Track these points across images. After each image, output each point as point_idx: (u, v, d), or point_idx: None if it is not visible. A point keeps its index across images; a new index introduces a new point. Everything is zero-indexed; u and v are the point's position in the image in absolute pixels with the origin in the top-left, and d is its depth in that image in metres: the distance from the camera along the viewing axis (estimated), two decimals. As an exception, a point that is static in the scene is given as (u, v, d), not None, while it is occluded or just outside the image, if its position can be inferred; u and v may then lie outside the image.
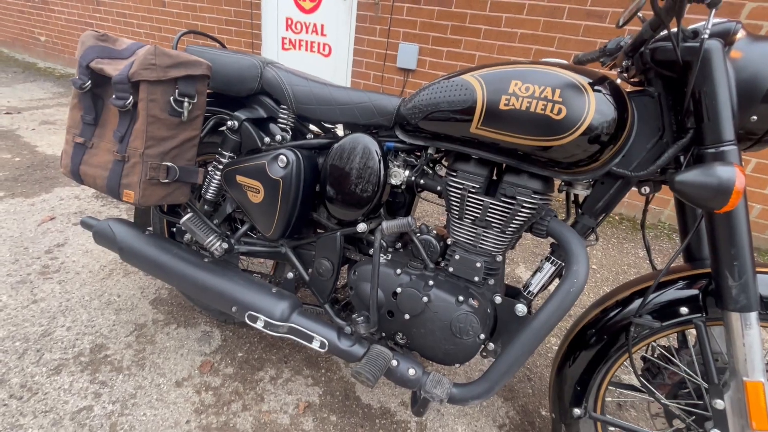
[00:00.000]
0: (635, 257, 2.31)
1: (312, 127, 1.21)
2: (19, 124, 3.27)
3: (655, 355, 0.97)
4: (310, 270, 1.21)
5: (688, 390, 0.88)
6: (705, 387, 0.83)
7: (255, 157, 1.09)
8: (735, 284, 0.73)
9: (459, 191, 0.95)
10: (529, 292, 1.01)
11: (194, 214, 1.20)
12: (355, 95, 1.05)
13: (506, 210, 0.91)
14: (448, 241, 1.03)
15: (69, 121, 1.09)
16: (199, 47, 1.17)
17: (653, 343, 0.94)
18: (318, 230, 1.26)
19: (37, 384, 1.21)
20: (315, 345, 1.05)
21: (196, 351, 1.40)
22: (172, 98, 0.98)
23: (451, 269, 1.02)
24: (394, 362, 0.99)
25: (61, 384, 1.22)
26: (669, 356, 0.92)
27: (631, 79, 0.91)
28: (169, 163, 1.02)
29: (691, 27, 0.75)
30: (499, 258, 0.99)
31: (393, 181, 1.03)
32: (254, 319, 1.09)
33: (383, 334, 1.11)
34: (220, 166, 1.19)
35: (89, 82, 1.02)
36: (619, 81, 0.87)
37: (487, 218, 0.93)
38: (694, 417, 0.86)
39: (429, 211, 2.65)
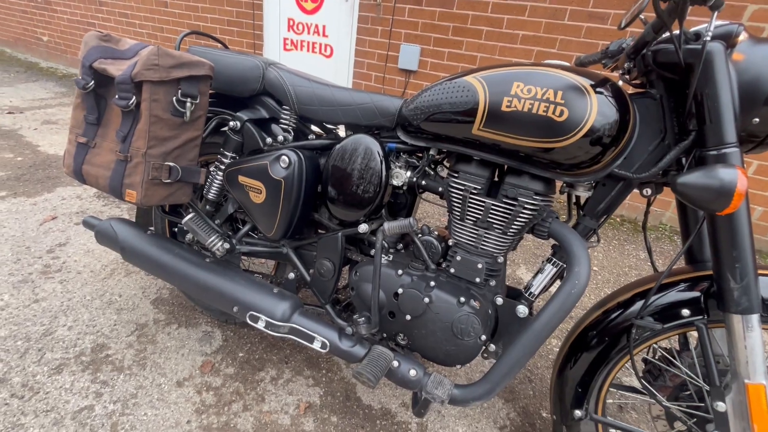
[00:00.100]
0: (636, 259, 2.31)
1: (314, 127, 1.21)
2: (21, 124, 3.28)
3: (657, 357, 0.97)
4: (311, 270, 1.21)
5: (689, 392, 0.88)
6: (706, 389, 0.83)
7: (257, 158, 1.09)
8: (737, 286, 0.73)
9: (461, 192, 0.95)
10: (531, 293, 1.01)
11: (196, 214, 1.20)
12: (357, 96, 1.05)
13: (508, 211, 0.91)
14: (450, 242, 1.03)
15: (72, 121, 1.09)
16: (201, 48, 1.18)
17: (654, 345, 0.94)
18: (319, 231, 1.26)
19: (39, 383, 1.21)
20: (316, 345, 1.05)
21: (197, 351, 1.40)
22: (174, 98, 0.98)
23: (452, 270, 1.02)
24: (395, 363, 0.99)
25: (62, 383, 1.22)
26: (670, 358, 0.92)
27: (633, 81, 0.91)
28: (171, 163, 1.02)
29: (693, 29, 0.75)
30: (501, 259, 0.99)
31: (394, 182, 1.03)
32: (256, 320, 1.09)
33: (384, 335, 1.11)
34: (222, 167, 1.19)
35: (92, 82, 1.02)
36: (620, 83, 0.87)
37: (489, 219, 0.93)
38: (695, 419, 0.86)
39: (430, 212, 2.65)
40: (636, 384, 1.09)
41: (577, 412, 0.97)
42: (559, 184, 0.97)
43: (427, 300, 0.98)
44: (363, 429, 1.20)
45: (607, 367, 0.93)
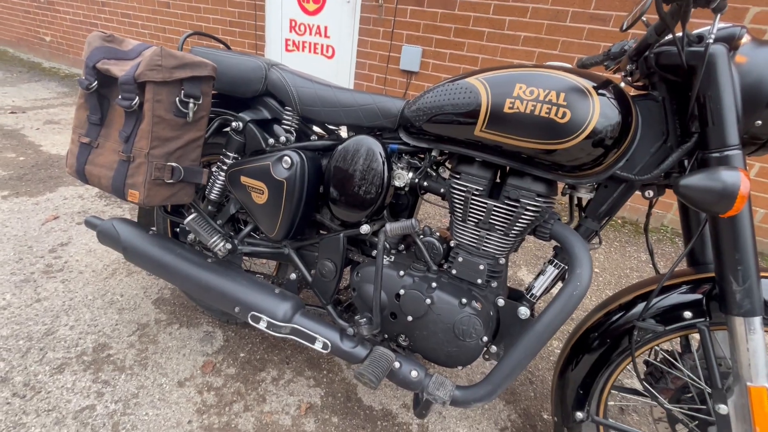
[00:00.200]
0: (638, 261, 2.31)
1: (316, 128, 1.21)
2: (23, 124, 3.29)
3: (658, 359, 0.97)
4: (313, 271, 1.21)
5: (691, 395, 0.88)
6: (708, 392, 0.82)
7: (259, 158, 1.09)
8: (739, 289, 0.73)
9: (462, 194, 0.95)
10: (532, 295, 1.01)
11: (198, 214, 1.20)
12: (360, 97, 1.06)
13: (510, 213, 0.91)
14: (451, 244, 1.03)
15: (75, 121, 1.10)
16: (204, 48, 1.18)
17: (656, 347, 0.93)
18: (321, 231, 1.26)
19: (40, 383, 1.21)
20: (318, 346, 1.05)
21: (198, 351, 1.40)
22: (177, 99, 0.98)
23: (454, 271, 1.02)
24: (397, 364, 0.99)
25: (64, 383, 1.22)
26: (672, 360, 0.92)
27: (635, 83, 0.91)
28: (173, 164, 1.02)
29: (696, 31, 0.75)
30: (503, 260, 0.99)
31: (396, 183, 1.03)
32: (257, 320, 1.09)
33: (386, 336, 1.11)
34: (225, 167, 1.19)
35: (95, 82, 1.02)
36: (623, 85, 0.87)
37: (491, 221, 0.93)
38: (697, 422, 0.86)
39: (431, 212, 2.65)
40: (637, 386, 1.09)
41: (579, 414, 0.97)
42: (561, 185, 0.97)
43: (428, 301, 0.98)
44: (364, 430, 1.20)
45: (608, 369, 0.93)
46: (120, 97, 0.97)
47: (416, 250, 1.08)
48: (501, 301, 1.01)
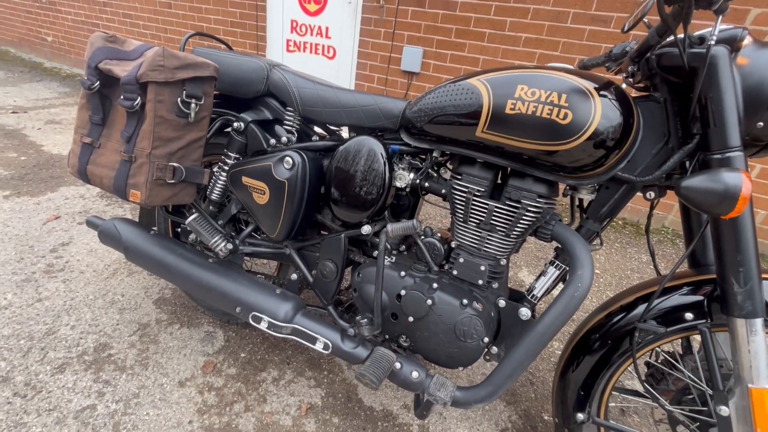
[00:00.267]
0: (638, 262, 2.30)
1: (317, 129, 1.22)
2: (25, 124, 3.30)
3: (659, 361, 0.97)
4: (314, 271, 1.21)
5: (692, 396, 0.88)
6: (709, 393, 0.82)
7: (261, 159, 1.09)
8: (740, 290, 0.73)
9: (464, 194, 0.95)
10: (533, 296, 1.01)
11: (199, 214, 1.21)
12: (361, 98, 1.06)
13: (511, 214, 0.91)
14: (452, 244, 1.03)
15: (77, 122, 1.10)
16: (206, 49, 1.18)
17: (657, 348, 0.93)
18: (322, 232, 1.26)
19: (41, 382, 1.21)
20: (318, 346, 1.05)
21: (199, 351, 1.40)
22: (179, 99, 0.99)
23: (455, 272, 1.02)
24: (398, 365, 0.99)
25: (65, 383, 1.22)
26: (673, 362, 0.92)
27: (637, 85, 0.91)
28: (175, 164, 1.02)
29: (697, 33, 0.75)
30: (504, 261, 0.99)
31: (398, 184, 1.03)
32: (258, 320, 1.09)
33: (387, 337, 1.11)
34: (226, 167, 1.19)
35: (98, 82, 1.03)
36: (624, 86, 0.87)
37: (492, 222, 0.93)
38: (698, 423, 0.86)
39: (432, 213, 2.65)
40: (638, 387, 1.09)
41: (580, 416, 0.97)
42: (562, 186, 0.97)
43: (429, 302, 0.98)
44: (364, 430, 1.20)
45: (609, 371, 0.93)
46: (122, 97, 0.98)
47: (417, 251, 1.08)
48: (502, 302, 1.01)
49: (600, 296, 1.96)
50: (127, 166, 1.01)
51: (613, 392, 0.97)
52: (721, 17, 0.68)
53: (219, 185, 1.22)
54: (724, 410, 0.78)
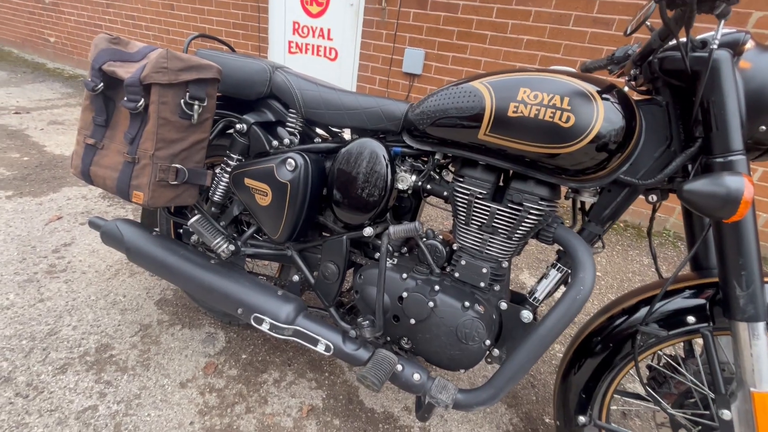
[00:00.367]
0: (640, 265, 2.30)
1: (319, 131, 1.22)
2: (27, 124, 3.31)
3: (661, 364, 0.97)
4: (315, 273, 1.21)
5: (694, 400, 0.88)
6: (712, 397, 0.82)
7: (263, 161, 1.09)
8: (743, 294, 0.73)
9: (466, 197, 0.95)
10: (535, 298, 1.01)
11: (201, 216, 1.21)
12: (364, 100, 1.06)
13: (513, 216, 0.91)
14: (454, 247, 1.03)
15: (80, 123, 1.10)
16: (209, 51, 1.19)
17: (659, 351, 0.93)
18: (324, 234, 1.27)
19: (43, 383, 1.21)
20: (320, 348, 1.05)
21: (200, 352, 1.40)
22: (182, 101, 0.99)
23: (456, 274, 1.02)
24: (399, 367, 0.99)
25: (66, 383, 1.22)
26: (675, 365, 0.92)
27: (639, 88, 0.91)
28: (178, 165, 1.03)
29: (700, 37, 0.75)
30: (505, 264, 0.99)
31: (400, 186, 1.03)
32: (260, 322, 1.09)
33: (388, 339, 1.11)
34: (228, 169, 1.20)
35: (101, 84, 1.03)
36: (626, 89, 0.87)
37: (494, 224, 0.94)
38: (700, 427, 0.86)
39: (433, 215, 2.65)
40: (640, 391, 1.08)
41: (581, 418, 0.97)
42: (564, 189, 0.97)
43: (431, 304, 0.98)
44: (365, 432, 1.20)
45: (611, 374, 0.93)
46: (125, 98, 0.98)
47: (419, 253, 1.08)
48: (504, 305, 1.01)
49: (601, 299, 1.96)
50: (130, 168, 1.02)
51: (615, 395, 0.97)
52: (723, 21, 0.68)
53: (221, 187, 1.23)
54: (726, 414, 0.78)
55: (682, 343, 0.91)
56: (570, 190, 0.96)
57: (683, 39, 0.73)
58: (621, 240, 2.57)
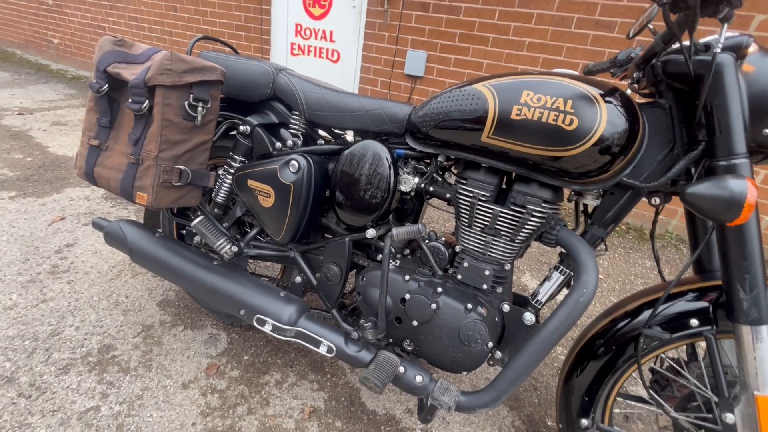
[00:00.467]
0: (642, 267, 2.30)
1: (322, 133, 1.22)
2: (31, 125, 3.32)
3: (664, 367, 0.97)
4: (318, 275, 1.22)
5: (697, 403, 0.88)
6: (715, 400, 0.82)
7: (266, 162, 1.10)
8: (746, 297, 0.73)
9: (469, 199, 0.95)
10: (537, 301, 1.01)
11: (205, 217, 1.21)
12: (367, 102, 1.06)
13: (516, 219, 0.92)
14: (457, 249, 1.04)
15: (85, 124, 1.11)
16: (213, 53, 1.19)
17: (662, 354, 0.93)
18: (327, 235, 1.27)
19: (46, 383, 1.22)
20: (322, 350, 1.05)
21: (202, 353, 1.40)
22: (186, 103, 0.99)
23: (459, 276, 1.02)
24: (402, 369, 0.99)
25: (69, 384, 1.22)
26: (678, 368, 0.91)
27: (642, 91, 0.92)
28: (181, 167, 1.03)
29: (703, 40, 0.75)
30: (508, 266, 0.99)
31: (403, 188, 1.03)
32: (263, 323, 1.09)
33: (390, 340, 1.11)
34: (232, 170, 1.20)
35: (106, 85, 1.04)
36: (629, 92, 0.88)
37: (497, 226, 0.94)
38: (703, 431, 0.86)
39: (435, 217, 2.65)
40: (643, 394, 1.08)
41: (584, 422, 0.97)
42: (567, 192, 0.97)
43: (434, 306, 0.98)
44: (367, 434, 1.20)
45: (614, 377, 0.93)
46: (130, 100, 0.98)
47: (421, 255, 1.08)
48: (506, 307, 1.01)
49: (603, 301, 1.95)
50: (134, 169, 1.02)
51: (618, 398, 0.97)
52: (726, 25, 0.69)
53: (224, 188, 1.23)
54: (729, 417, 0.78)
55: (685, 346, 0.91)
56: (573, 193, 0.96)
57: (686, 42, 0.73)
58: (623, 242, 2.56)
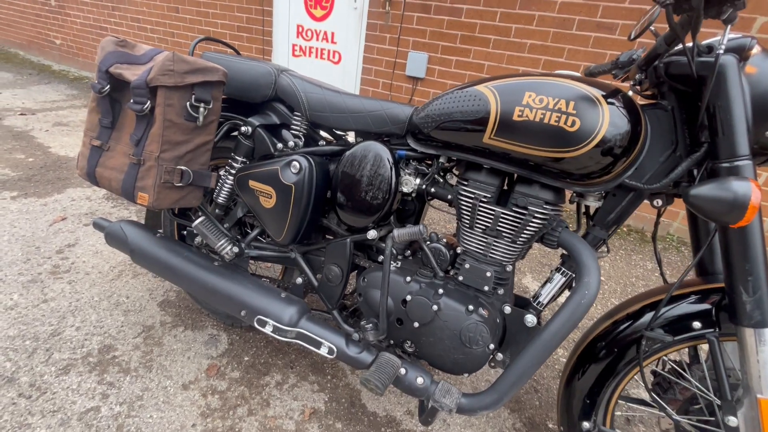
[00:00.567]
0: (643, 269, 2.29)
1: (323, 134, 1.22)
2: (33, 125, 3.33)
3: (666, 370, 0.96)
4: (319, 276, 1.21)
5: (699, 406, 0.87)
6: (717, 403, 0.82)
7: (268, 163, 1.10)
8: (749, 299, 0.73)
9: (470, 200, 0.95)
10: (539, 302, 1.01)
11: (206, 217, 1.21)
12: (368, 103, 1.06)
13: (517, 220, 0.91)
14: (458, 250, 1.03)
15: (86, 124, 1.11)
16: (215, 54, 1.19)
17: (664, 357, 0.93)
18: (328, 236, 1.27)
19: (46, 383, 1.21)
20: (323, 351, 1.05)
21: (203, 354, 1.40)
22: (188, 103, 0.99)
23: (460, 278, 1.02)
24: (403, 370, 0.99)
25: (69, 384, 1.22)
26: (680, 371, 0.91)
27: (644, 92, 0.91)
28: (183, 167, 1.03)
29: (705, 42, 0.75)
30: (509, 268, 0.99)
31: (404, 189, 1.03)
32: (263, 324, 1.09)
33: (391, 342, 1.11)
34: (233, 171, 1.20)
35: (108, 86, 1.04)
36: (631, 93, 0.87)
37: (498, 228, 0.93)
38: (705, 434, 0.85)
39: (436, 218, 2.65)
40: (645, 396, 1.08)
41: (585, 424, 0.97)
42: (569, 193, 0.97)
43: (435, 307, 0.98)
44: (368, 436, 1.20)
45: (615, 379, 0.92)
46: (132, 101, 0.98)
47: (423, 256, 1.08)
48: (508, 309, 1.01)
49: (605, 303, 1.95)
50: (136, 169, 1.02)
51: (619, 401, 0.96)
52: (729, 26, 0.68)
53: (226, 189, 1.23)
54: (732, 421, 0.77)
55: (687, 349, 0.90)
56: (575, 194, 0.96)
57: (689, 44, 0.73)
58: (624, 244, 2.56)
